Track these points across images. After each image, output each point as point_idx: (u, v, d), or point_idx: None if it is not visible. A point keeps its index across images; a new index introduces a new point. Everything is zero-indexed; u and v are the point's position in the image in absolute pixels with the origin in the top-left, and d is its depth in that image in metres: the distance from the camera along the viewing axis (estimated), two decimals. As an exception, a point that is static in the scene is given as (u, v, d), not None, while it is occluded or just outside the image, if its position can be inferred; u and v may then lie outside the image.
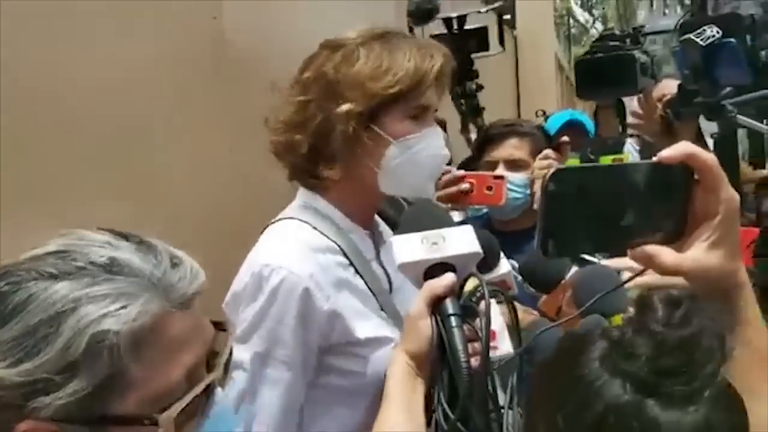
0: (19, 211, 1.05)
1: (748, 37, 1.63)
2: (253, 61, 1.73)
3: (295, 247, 1.12)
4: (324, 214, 1.18)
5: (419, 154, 1.14)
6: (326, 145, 1.12)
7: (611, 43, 1.57)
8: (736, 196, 0.66)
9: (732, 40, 1.48)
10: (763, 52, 1.78)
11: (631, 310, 0.68)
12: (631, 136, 2.11)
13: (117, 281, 0.63)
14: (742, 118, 1.53)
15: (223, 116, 1.60)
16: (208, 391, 0.70)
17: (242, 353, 1.07)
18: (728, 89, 1.53)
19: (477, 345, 0.88)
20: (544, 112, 3.68)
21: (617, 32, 1.68)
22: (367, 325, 1.12)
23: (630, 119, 1.72)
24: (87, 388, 0.60)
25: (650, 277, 1.15)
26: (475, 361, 0.86)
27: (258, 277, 1.08)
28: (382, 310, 1.15)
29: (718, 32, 1.48)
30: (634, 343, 0.60)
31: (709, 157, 0.65)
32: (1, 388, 0.60)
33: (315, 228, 1.15)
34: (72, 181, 1.18)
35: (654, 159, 0.66)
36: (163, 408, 0.64)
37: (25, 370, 0.59)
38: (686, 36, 1.49)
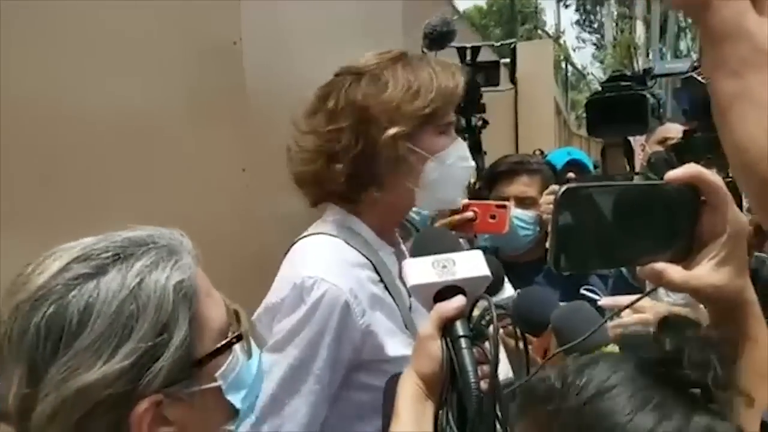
0: (26, 231, 1.04)
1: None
2: (270, 85, 1.76)
3: (335, 261, 1.13)
4: (355, 231, 1.19)
5: (453, 167, 1.19)
6: (368, 170, 1.15)
7: (623, 83, 1.61)
8: (743, 218, 0.68)
9: None
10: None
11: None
12: (638, 174, 2.15)
13: (153, 249, 0.71)
14: None
15: (239, 137, 1.61)
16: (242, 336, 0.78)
17: (274, 363, 1.07)
18: None
19: (486, 367, 0.88)
20: (542, 152, 3.73)
21: (627, 73, 1.73)
22: (395, 342, 1.13)
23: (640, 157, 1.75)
24: (184, 339, 0.67)
25: (627, 319, 1.17)
26: (483, 384, 0.86)
27: (300, 289, 1.09)
28: (406, 327, 1.16)
29: None
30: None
31: (715, 178, 0.67)
32: (107, 384, 0.63)
33: (348, 243, 1.17)
34: (85, 201, 1.18)
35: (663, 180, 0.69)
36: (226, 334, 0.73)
37: (125, 353, 0.64)
38: (688, 74, 1.54)
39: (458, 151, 1.20)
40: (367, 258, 1.17)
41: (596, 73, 27.79)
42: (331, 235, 1.18)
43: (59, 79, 1.15)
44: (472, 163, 1.24)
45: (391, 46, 2.82)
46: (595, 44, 29.79)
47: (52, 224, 1.08)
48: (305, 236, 1.20)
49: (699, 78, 1.48)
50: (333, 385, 1.11)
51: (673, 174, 0.67)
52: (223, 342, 0.73)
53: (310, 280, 1.09)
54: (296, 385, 1.08)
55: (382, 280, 1.17)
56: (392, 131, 1.13)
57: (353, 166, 1.14)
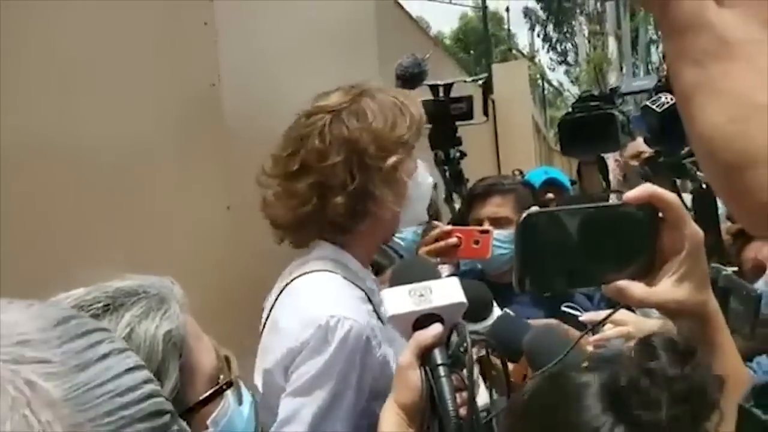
0: (7, 270, 1.04)
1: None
2: (249, 126, 1.79)
3: (346, 297, 1.15)
4: (344, 264, 1.21)
5: (422, 185, 1.28)
6: (366, 199, 1.18)
7: (591, 104, 1.66)
8: (700, 232, 0.71)
9: None
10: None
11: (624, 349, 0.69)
12: (614, 191, 2.19)
13: (143, 299, 0.72)
14: (701, 175, 1.61)
15: (222, 176, 1.64)
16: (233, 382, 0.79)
17: (302, 406, 1.07)
18: (688, 149, 1.62)
19: (465, 394, 0.89)
20: (521, 171, 3.78)
21: (595, 93, 1.78)
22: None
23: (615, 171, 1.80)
24: (174, 388, 0.68)
25: (599, 335, 1.20)
26: (462, 411, 0.87)
27: (324, 329, 1.09)
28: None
29: (671, 99, 1.58)
30: (648, 391, 0.60)
31: (671, 196, 0.70)
32: None
33: (346, 278, 1.19)
34: (69, 243, 1.19)
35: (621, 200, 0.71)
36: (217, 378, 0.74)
37: None
38: (644, 103, 1.60)
39: (421, 169, 1.28)
40: (362, 290, 1.19)
41: (572, 90, 28.30)
42: (330, 271, 1.19)
43: (41, 120, 1.16)
44: (432, 179, 1.33)
45: (368, 71, 2.88)
46: (563, 62, 30.41)
47: (34, 265, 1.09)
48: (301, 275, 1.20)
49: (653, 107, 1.54)
50: (356, 420, 1.11)
51: (630, 194, 0.70)
52: (214, 388, 0.74)
53: (334, 319, 1.09)
54: (326, 425, 1.08)
55: (375, 310, 1.18)
56: (392, 160, 1.17)
57: (352, 198, 1.17)
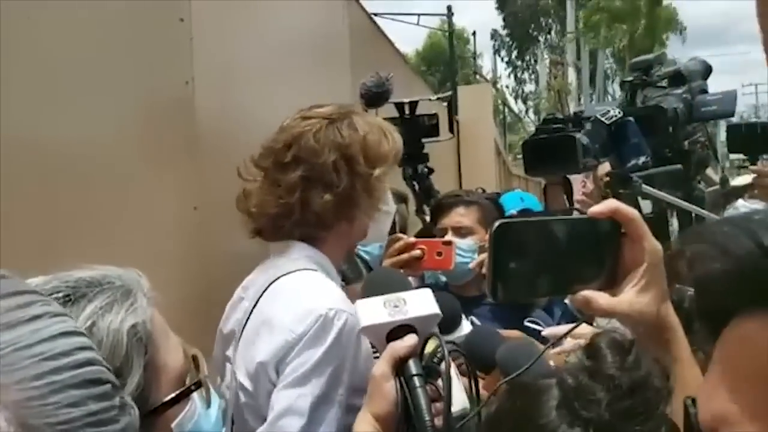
0: None
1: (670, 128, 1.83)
2: (221, 124, 1.78)
3: (338, 292, 1.19)
4: (323, 264, 1.26)
5: (390, 202, 1.36)
6: (348, 203, 1.24)
7: (554, 126, 1.70)
8: (659, 246, 0.74)
9: (630, 118, 1.66)
10: (685, 142, 1.99)
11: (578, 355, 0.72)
12: (577, 210, 2.25)
13: (107, 290, 0.68)
14: (646, 188, 1.68)
15: (191, 176, 1.62)
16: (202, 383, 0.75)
17: (298, 396, 1.08)
18: (633, 162, 1.70)
19: (439, 405, 0.90)
20: (483, 190, 3.83)
21: (559, 116, 1.83)
22: None
23: (578, 196, 1.85)
24: (138, 387, 0.63)
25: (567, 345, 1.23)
26: (438, 421, 0.88)
27: (323, 321, 1.11)
28: None
29: (619, 112, 1.66)
30: (591, 389, 0.62)
31: (632, 211, 0.73)
32: None
33: (328, 276, 1.24)
34: (34, 240, 1.16)
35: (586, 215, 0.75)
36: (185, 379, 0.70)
37: None
38: (593, 116, 1.66)
39: (389, 194, 1.37)
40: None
41: (531, 117, 28.96)
42: (315, 270, 1.23)
43: (8, 115, 1.13)
44: (395, 206, 1.43)
45: (340, 84, 2.90)
46: (518, 92, 31.28)
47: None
48: (289, 273, 1.22)
49: (602, 119, 1.60)
50: (345, 414, 1.12)
51: (595, 209, 0.73)
52: (181, 389, 0.70)
53: (332, 312, 1.12)
54: (323, 414, 1.09)
55: None
56: (377, 172, 1.24)
57: (338, 198, 1.22)
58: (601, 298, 0.71)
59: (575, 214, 1.47)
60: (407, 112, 2.18)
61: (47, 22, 1.22)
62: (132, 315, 0.67)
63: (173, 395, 0.69)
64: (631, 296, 0.72)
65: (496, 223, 0.71)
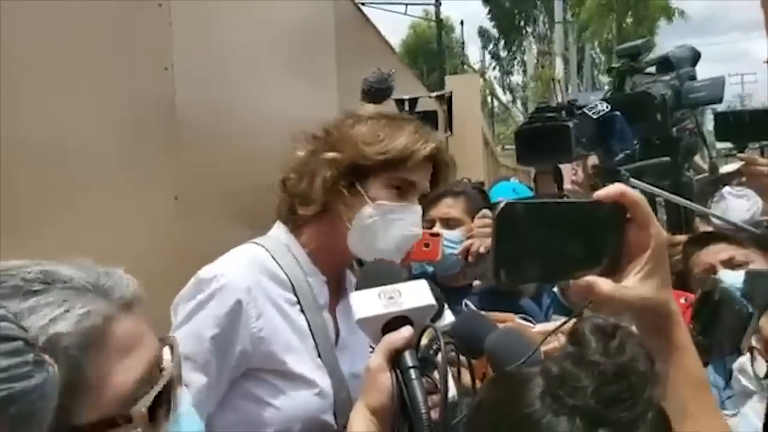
0: None
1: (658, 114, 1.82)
2: (201, 112, 1.74)
3: (244, 263, 1.18)
4: (290, 250, 1.23)
5: (392, 223, 1.21)
6: (309, 185, 1.22)
7: (547, 114, 1.68)
8: (664, 233, 0.73)
9: (618, 113, 1.64)
10: (674, 129, 1.98)
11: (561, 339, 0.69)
12: (568, 197, 2.23)
13: (55, 289, 0.62)
14: (634, 181, 1.67)
15: (171, 165, 1.58)
16: (170, 387, 0.69)
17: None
18: (622, 155, 1.68)
19: (435, 397, 0.89)
20: (470, 180, 3.83)
21: (552, 104, 1.81)
22: (298, 361, 1.16)
23: (568, 186, 1.83)
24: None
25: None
26: (434, 413, 0.86)
27: (199, 281, 1.15)
28: (318, 356, 1.19)
29: (607, 107, 1.64)
30: (576, 377, 0.61)
31: (638, 196, 0.71)
32: None
33: (274, 258, 1.21)
34: (11, 230, 1.12)
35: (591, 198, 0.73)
36: (129, 407, 0.63)
37: None
38: (580, 110, 1.64)
39: (405, 212, 1.22)
40: (287, 277, 1.20)
41: (519, 108, 29.04)
42: (260, 245, 1.23)
43: None
44: (418, 231, 1.25)
45: (325, 73, 2.85)
46: (505, 83, 31.39)
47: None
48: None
49: (589, 113, 1.58)
50: (221, 383, 1.13)
51: (601, 193, 0.71)
52: (105, 418, 0.60)
53: (210, 274, 1.14)
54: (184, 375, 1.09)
55: (299, 302, 1.19)
56: (330, 155, 1.20)
57: (300, 178, 1.24)
58: (603, 283, 0.70)
59: (581, 197, 1.45)
60: (407, 108, 2.17)
61: (20, 7, 1.17)
62: (66, 322, 0.60)
63: (95, 421, 0.60)
64: (634, 282, 0.70)
65: (501, 204, 0.68)
